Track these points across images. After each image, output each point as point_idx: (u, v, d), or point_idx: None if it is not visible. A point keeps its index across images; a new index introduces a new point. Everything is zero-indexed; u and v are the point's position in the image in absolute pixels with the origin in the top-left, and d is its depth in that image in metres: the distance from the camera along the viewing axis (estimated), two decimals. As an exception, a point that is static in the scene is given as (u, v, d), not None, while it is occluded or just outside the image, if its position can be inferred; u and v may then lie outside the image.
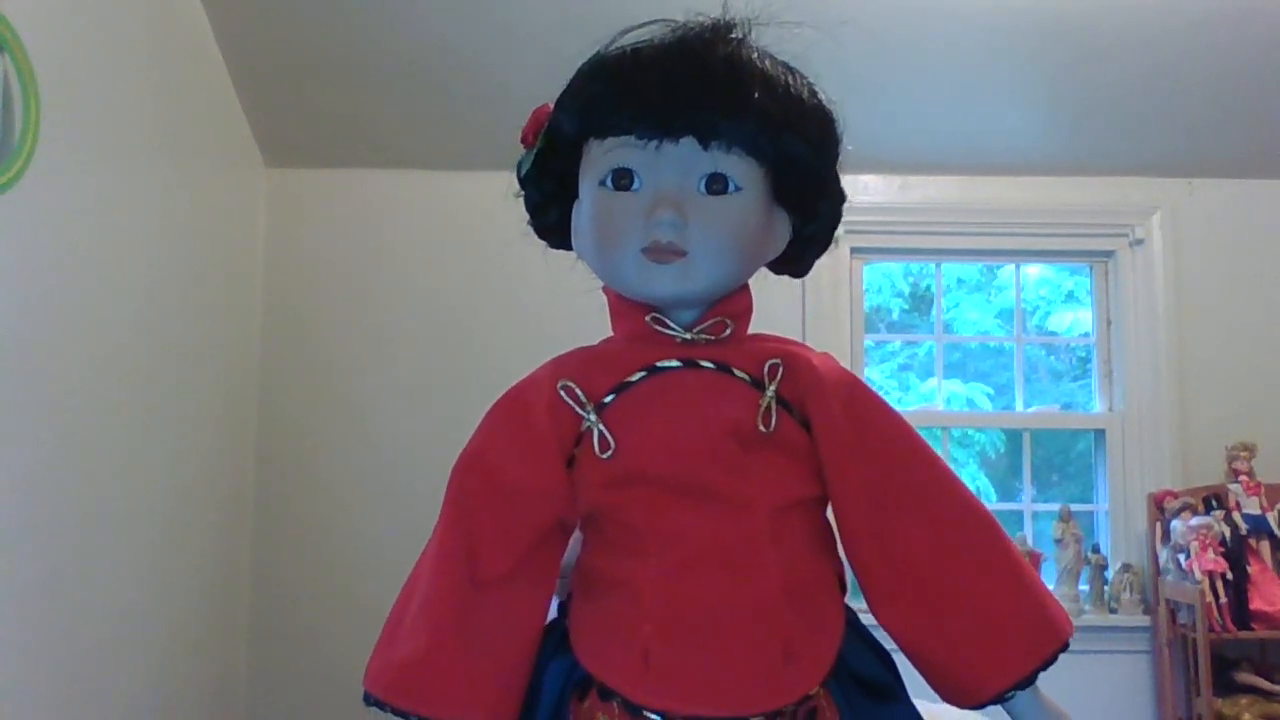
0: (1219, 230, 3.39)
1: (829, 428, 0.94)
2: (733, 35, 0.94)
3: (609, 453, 0.93)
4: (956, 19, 2.89)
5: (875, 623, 0.97)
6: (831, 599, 0.95)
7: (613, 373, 0.95)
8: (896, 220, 3.32)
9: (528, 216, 1.04)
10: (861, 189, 3.27)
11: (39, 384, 2.22)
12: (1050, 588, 3.16)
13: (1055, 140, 3.30)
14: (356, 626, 3.28)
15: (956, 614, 0.93)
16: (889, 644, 0.98)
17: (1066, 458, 4.93)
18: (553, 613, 0.99)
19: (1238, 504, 3.15)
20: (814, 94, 0.96)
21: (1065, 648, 0.94)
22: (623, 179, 0.93)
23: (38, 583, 2.22)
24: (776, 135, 0.92)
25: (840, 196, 1.00)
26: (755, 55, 0.94)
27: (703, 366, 0.95)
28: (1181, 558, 3.06)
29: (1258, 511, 3.14)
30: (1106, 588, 3.28)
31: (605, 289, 1.00)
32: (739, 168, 0.92)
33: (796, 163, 0.94)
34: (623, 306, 0.98)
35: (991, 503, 4.82)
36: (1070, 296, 5.01)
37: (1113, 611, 3.24)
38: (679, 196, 0.92)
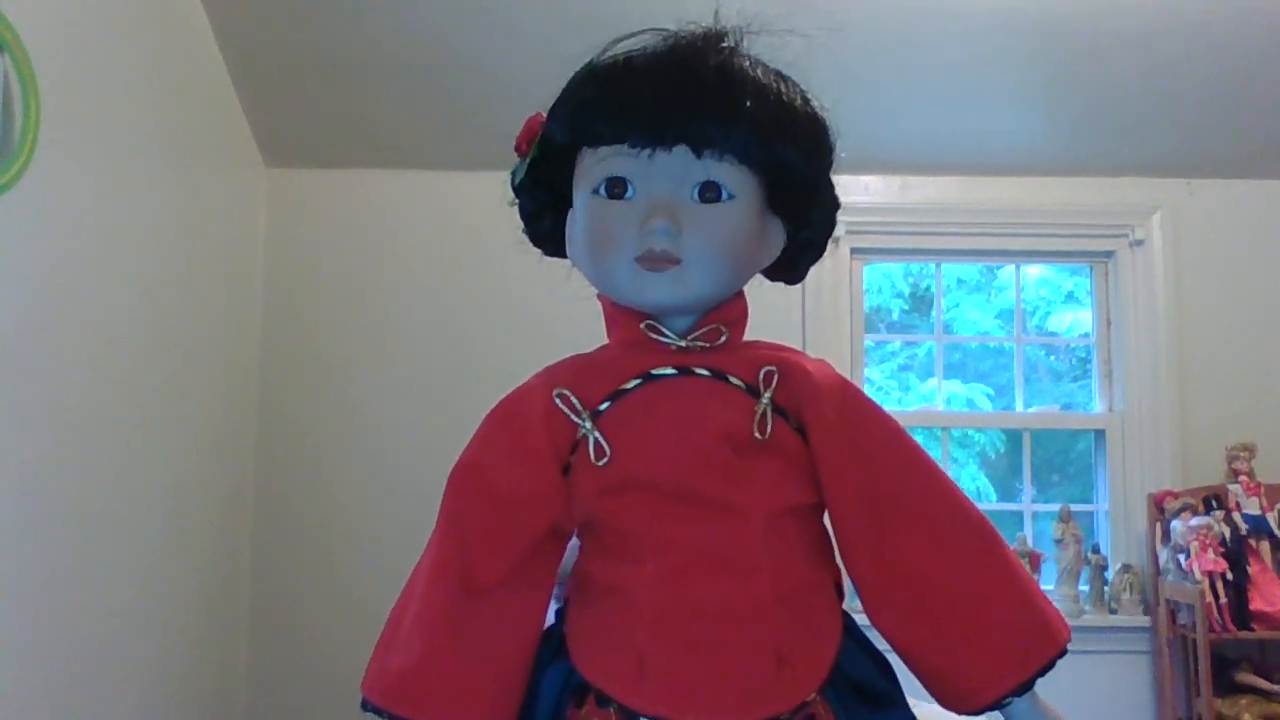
0: (1219, 230, 3.39)
1: (824, 434, 0.94)
2: (724, 44, 0.94)
3: (604, 460, 0.93)
4: (956, 19, 2.89)
5: (872, 628, 0.97)
6: (828, 606, 0.95)
7: (608, 380, 0.95)
8: (896, 220, 3.32)
9: (521, 225, 1.04)
10: (861, 189, 3.27)
11: (39, 384, 2.22)
12: (1050, 588, 3.19)
13: (1055, 140, 3.30)
14: (356, 626, 3.29)
15: (953, 620, 0.93)
16: (887, 651, 0.97)
17: (1066, 458, 4.93)
18: (550, 619, 0.99)
19: (1238, 504, 3.15)
20: (806, 101, 0.96)
21: (1063, 653, 0.94)
22: (616, 187, 0.93)
23: (38, 582, 2.22)
24: (768, 143, 0.92)
25: (834, 203, 1.00)
26: (747, 63, 0.94)
27: (698, 374, 0.95)
28: (1181, 558, 3.06)
29: (1258, 511, 3.14)
30: (1106, 588, 3.28)
31: (600, 296, 1.00)
32: (731, 175, 0.92)
33: (789, 170, 0.95)
34: (617, 314, 0.98)
35: (991, 503, 4.83)
36: (1070, 297, 5.01)
37: (1113, 612, 3.24)
38: (672, 205, 0.92)
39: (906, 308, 5.55)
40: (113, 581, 2.51)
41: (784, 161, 0.94)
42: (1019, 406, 3.55)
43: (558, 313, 3.17)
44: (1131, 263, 3.40)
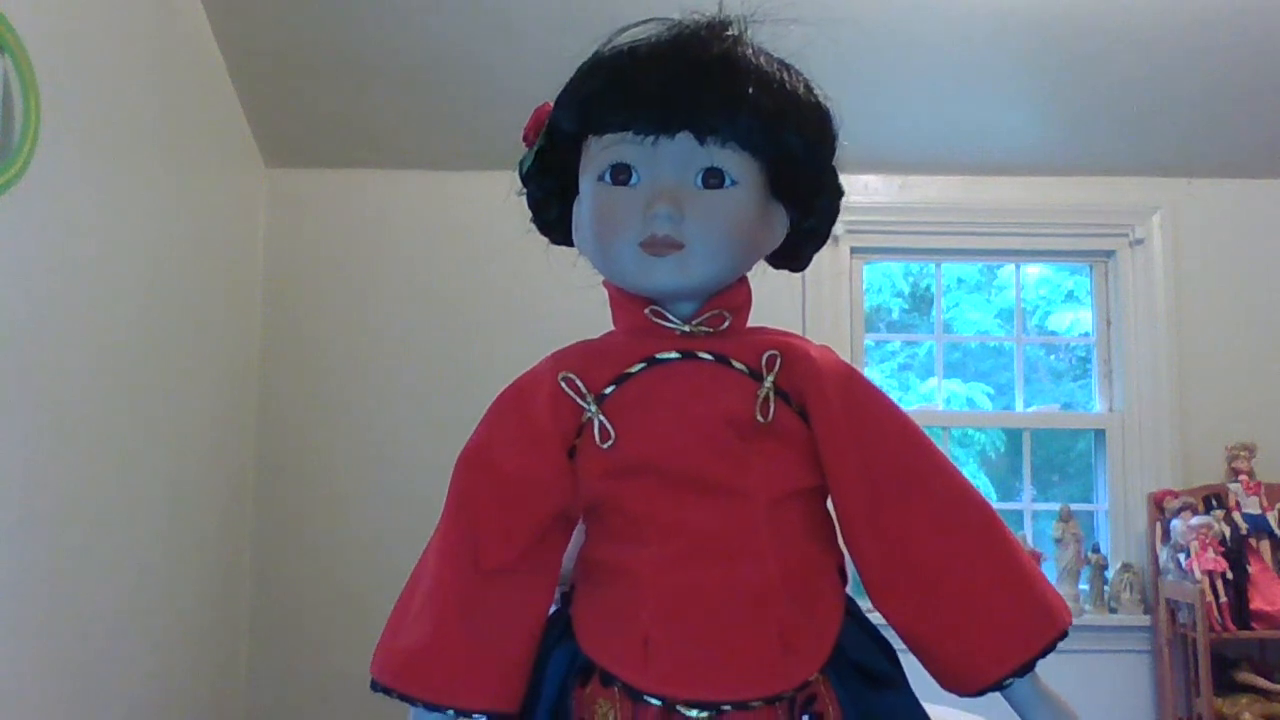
0: (1219, 230, 3.39)
1: (826, 417, 0.95)
2: (728, 33, 0.95)
3: (609, 443, 0.94)
4: (956, 19, 2.89)
5: (874, 611, 0.98)
6: (831, 588, 0.96)
7: (613, 365, 0.97)
8: (896, 220, 3.32)
9: (530, 214, 1.05)
10: (861, 189, 3.27)
11: (39, 384, 2.22)
12: (1050, 587, 3.19)
13: (1055, 140, 3.30)
14: (356, 625, 3.30)
15: (955, 602, 0.94)
16: (891, 636, 0.98)
17: (1066, 458, 4.92)
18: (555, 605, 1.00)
19: (1238, 504, 3.15)
20: (810, 90, 0.97)
21: (1064, 635, 0.94)
22: (621, 174, 0.95)
23: (38, 582, 2.23)
24: (771, 130, 0.93)
25: (837, 191, 1.02)
26: (750, 52, 0.95)
27: (701, 358, 0.96)
28: (1181, 557, 3.06)
29: (1258, 511, 3.14)
30: (1106, 587, 3.28)
31: (605, 283, 1.02)
32: (735, 162, 0.94)
33: (792, 158, 0.96)
34: (622, 300, 1.00)
35: (992, 503, 4.82)
36: (1070, 296, 5.01)
37: (1113, 611, 3.24)
38: (676, 191, 0.93)
39: (906, 307, 5.55)
40: (113, 581, 2.51)
41: (786, 149, 0.95)
42: (1019, 406, 3.55)
43: (557, 311, 3.18)
44: (1131, 262, 3.40)
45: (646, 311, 0.97)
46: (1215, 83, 3.06)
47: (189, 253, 2.90)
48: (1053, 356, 4.94)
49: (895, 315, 5.41)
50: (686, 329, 0.97)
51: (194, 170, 2.93)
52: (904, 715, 0.94)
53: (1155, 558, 3.20)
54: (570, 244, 1.04)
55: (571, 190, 1.01)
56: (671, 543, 0.93)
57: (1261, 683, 3.01)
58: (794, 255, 1.04)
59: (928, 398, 3.78)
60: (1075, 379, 4.71)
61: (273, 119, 3.23)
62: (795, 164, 0.96)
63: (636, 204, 0.94)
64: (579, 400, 0.95)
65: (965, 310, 5.52)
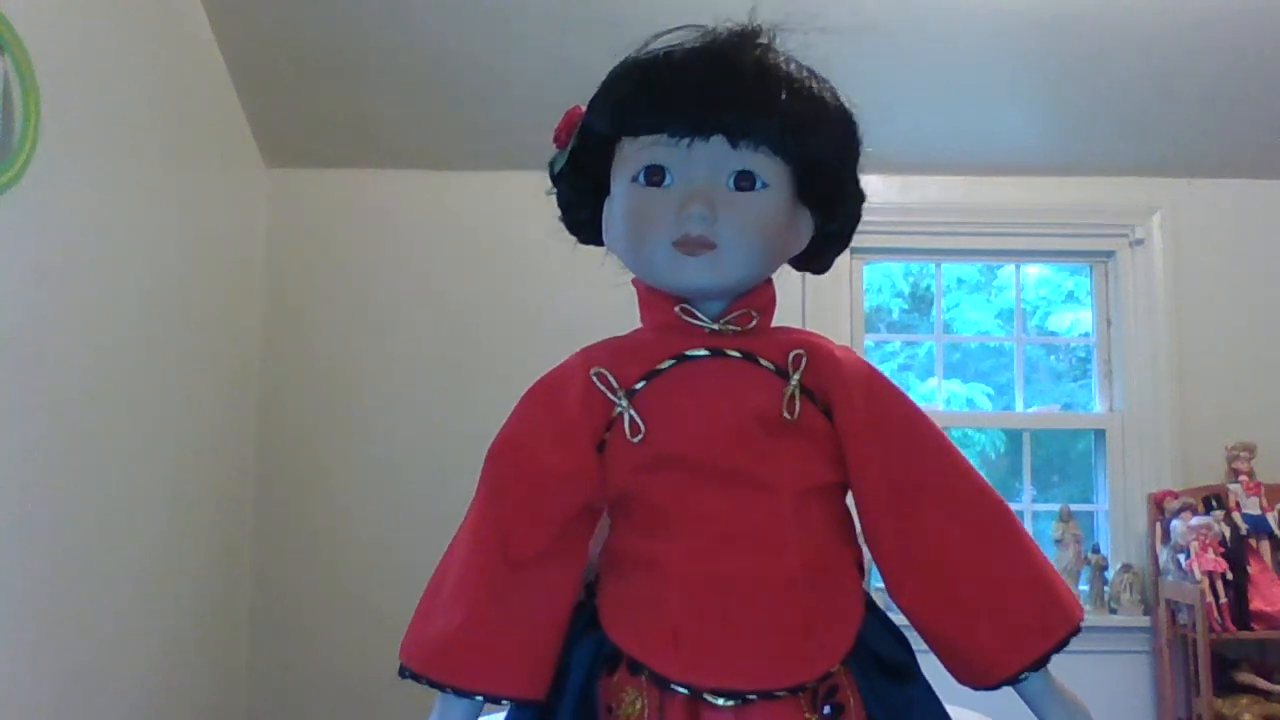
0: (1219, 230, 3.39)
1: (850, 415, 0.98)
2: (760, 40, 0.98)
3: (639, 437, 0.96)
4: (957, 19, 2.89)
5: (892, 605, 1.00)
6: (851, 581, 0.99)
7: (643, 361, 0.99)
8: (896, 220, 3.32)
9: (560, 212, 1.08)
10: (861, 189, 3.27)
11: (39, 384, 2.22)
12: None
13: (1055, 140, 3.30)
14: (356, 624, 3.31)
15: (972, 597, 0.96)
16: (905, 628, 1.00)
17: (1066, 458, 4.92)
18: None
19: (1238, 504, 3.15)
20: (836, 97, 1.01)
21: (1077, 631, 0.97)
22: (655, 175, 0.97)
23: (38, 582, 2.23)
24: (801, 135, 0.97)
25: (860, 196, 1.06)
26: (782, 59, 0.98)
27: (729, 356, 0.99)
28: (1181, 558, 3.06)
29: (1258, 511, 3.14)
30: (1106, 588, 3.28)
31: (635, 281, 1.04)
32: (766, 166, 0.97)
33: (819, 162, 0.99)
34: (652, 298, 1.02)
35: (992, 503, 4.81)
36: (1070, 296, 5.00)
37: (1113, 612, 3.24)
38: (709, 192, 0.96)
39: (906, 307, 5.54)
40: (113, 581, 2.52)
41: (815, 154, 0.98)
42: (1019, 406, 3.55)
43: (557, 311, 3.19)
44: (1131, 262, 3.40)
45: (676, 310, 1.00)
46: (1215, 83, 3.06)
47: (189, 253, 2.90)
48: (1053, 357, 4.93)
49: (895, 315, 5.41)
50: (715, 327, 0.99)
51: (194, 170, 2.93)
52: (923, 707, 0.96)
53: (1155, 558, 3.20)
54: (598, 243, 1.06)
55: (602, 191, 1.03)
56: (698, 534, 0.95)
57: (1261, 683, 3.01)
58: (817, 258, 1.08)
59: (928, 398, 3.78)
60: (1075, 379, 4.71)
61: (273, 119, 3.23)
62: (822, 169, 1.00)
63: (670, 204, 0.96)
64: (610, 395, 0.98)
65: (965, 310, 5.51)
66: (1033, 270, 4.32)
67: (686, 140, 0.95)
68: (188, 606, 2.91)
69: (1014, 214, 3.39)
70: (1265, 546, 3.11)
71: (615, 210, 1.01)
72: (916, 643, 1.00)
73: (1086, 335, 3.63)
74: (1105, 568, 3.29)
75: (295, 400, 3.34)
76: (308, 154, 3.35)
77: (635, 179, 0.98)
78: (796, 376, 0.98)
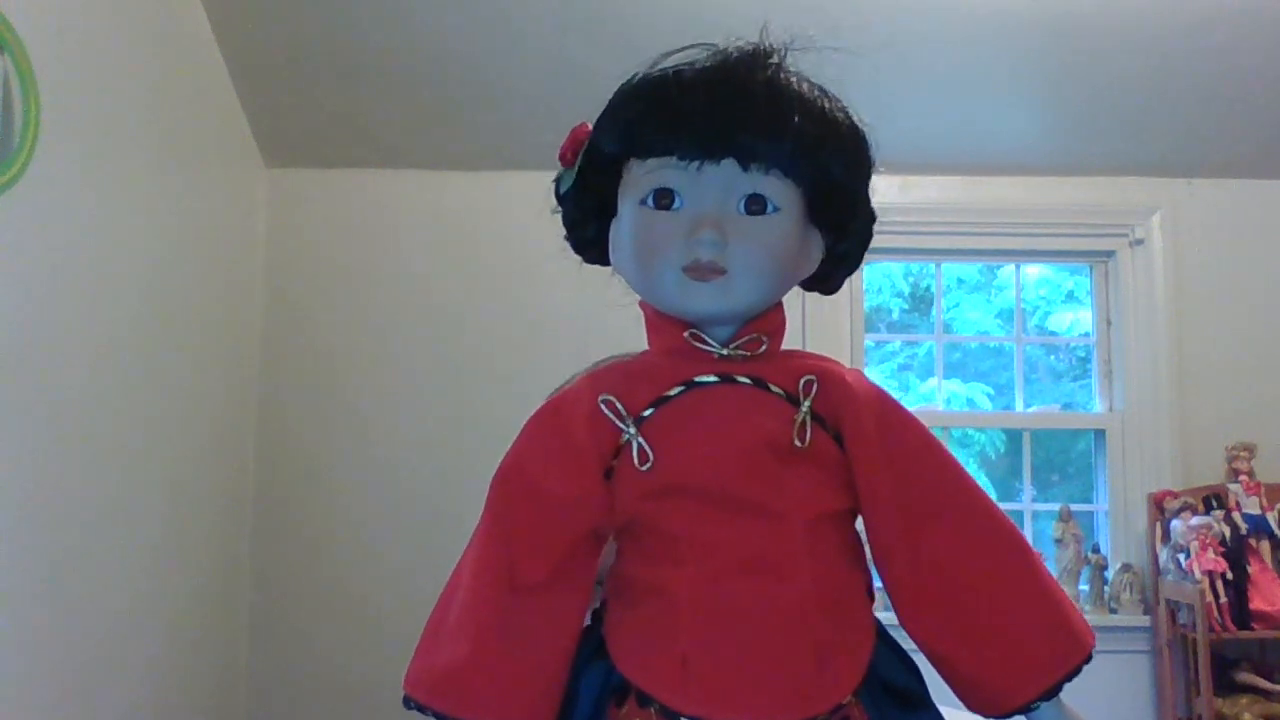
0: (1219, 230, 3.39)
1: (861, 442, 0.96)
2: (772, 60, 0.96)
3: (648, 465, 0.94)
4: (957, 19, 2.89)
5: (900, 631, 0.99)
6: (862, 609, 0.97)
7: (652, 387, 0.97)
8: (896, 220, 3.28)
9: (565, 231, 1.05)
10: (861, 189, 3.27)
11: (39, 384, 2.22)
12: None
13: (1055, 140, 3.30)
14: (356, 626, 3.31)
15: (985, 624, 0.95)
16: (915, 654, 0.99)
17: (1066, 458, 4.92)
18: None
19: (1238, 504, 3.15)
20: (849, 117, 0.99)
21: (1089, 659, 0.96)
22: (664, 199, 0.95)
23: (38, 582, 2.23)
24: (814, 157, 0.95)
25: (871, 216, 1.03)
26: (794, 80, 0.96)
27: (739, 382, 0.97)
28: (1181, 558, 3.06)
29: (1258, 511, 3.14)
30: (1106, 588, 3.28)
31: (641, 304, 1.02)
32: (777, 189, 0.95)
33: (832, 184, 0.97)
34: (660, 322, 1.00)
35: (991, 503, 4.81)
36: (1070, 296, 5.01)
37: (1113, 611, 3.24)
38: (719, 216, 0.94)
39: (906, 307, 5.55)
40: (113, 582, 2.51)
41: (827, 175, 0.96)
42: (1019, 406, 3.55)
43: (557, 311, 3.19)
44: (1131, 262, 3.40)
45: (685, 335, 0.98)
46: (1215, 83, 3.06)
47: (189, 253, 2.90)
48: (1053, 357, 4.94)
49: (895, 315, 5.41)
50: (724, 352, 0.97)
51: (194, 170, 2.93)
52: None
53: (1155, 558, 3.20)
54: (604, 263, 1.04)
55: (609, 210, 1.01)
56: (708, 562, 0.93)
57: (1261, 683, 3.01)
58: (826, 279, 1.05)
59: (928, 398, 3.78)
60: (1075, 379, 4.71)
61: (273, 119, 3.23)
62: (834, 190, 0.98)
63: (679, 228, 0.94)
64: (618, 422, 0.96)
65: (965, 310, 5.52)
66: (1033, 270, 4.32)
67: (696, 163, 0.93)
68: (187, 607, 2.91)
69: (1014, 214, 3.39)
70: (1265, 546, 3.11)
71: (623, 233, 0.99)
72: (922, 663, 0.99)
73: (1086, 335, 3.63)
74: (1105, 568, 3.29)
75: (295, 400, 3.34)
76: (308, 154, 3.35)
77: (644, 202, 0.96)
78: (807, 403, 0.96)
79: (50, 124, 2.16)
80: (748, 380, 0.97)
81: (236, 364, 3.22)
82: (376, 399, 3.33)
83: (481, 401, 3.22)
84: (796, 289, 1.06)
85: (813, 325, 3.22)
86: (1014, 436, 3.97)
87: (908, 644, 0.99)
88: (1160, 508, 3.20)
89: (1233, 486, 3.18)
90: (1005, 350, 4.11)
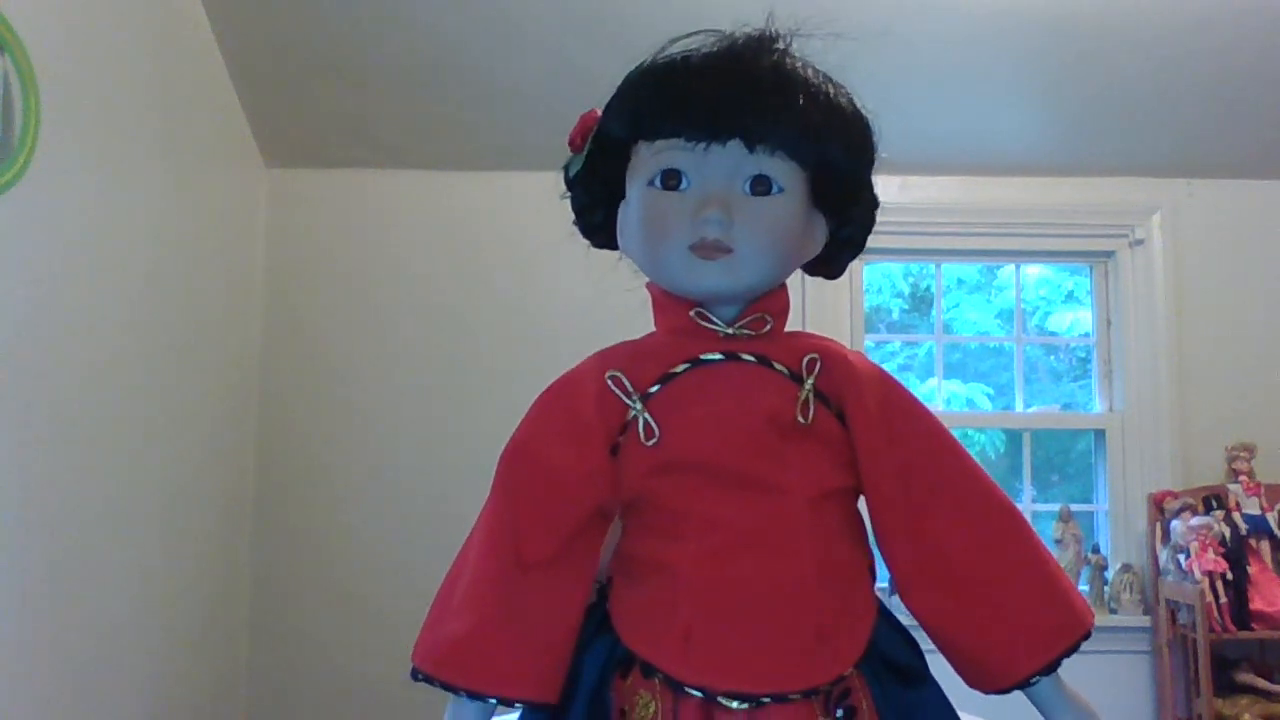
0: (1219, 230, 3.39)
1: (864, 420, 0.99)
2: (777, 45, 0.98)
3: (654, 440, 0.97)
4: (957, 19, 2.89)
5: (901, 608, 1.01)
6: (864, 585, 0.99)
7: (658, 364, 0.99)
8: (896, 220, 3.29)
9: (574, 216, 1.08)
10: (861, 189, 3.27)
11: (38, 384, 2.22)
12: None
13: (1055, 140, 3.30)
14: (356, 626, 3.31)
15: (984, 601, 0.97)
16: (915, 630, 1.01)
17: (1066, 458, 4.92)
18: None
19: (1238, 504, 3.15)
20: (852, 103, 1.01)
21: (1088, 636, 0.98)
22: (671, 179, 0.98)
23: (38, 583, 2.23)
24: (818, 140, 0.97)
25: (874, 202, 1.06)
26: (799, 65, 0.99)
27: (744, 360, 0.99)
28: (1181, 558, 3.06)
29: (1258, 511, 3.14)
30: (1106, 588, 3.28)
31: (649, 285, 1.04)
32: (782, 170, 0.97)
33: (835, 167, 1.00)
34: (667, 302, 1.02)
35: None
36: (1070, 296, 5.00)
37: (1113, 612, 3.24)
38: (725, 196, 0.96)
39: (906, 308, 5.54)
40: (113, 582, 2.51)
41: (831, 159, 0.99)
42: (1019, 406, 3.55)
43: (557, 311, 3.19)
44: (1131, 263, 3.40)
45: (691, 314, 1.00)
46: (1215, 83, 3.06)
47: (189, 253, 2.90)
48: (1053, 357, 4.93)
49: (895, 316, 5.41)
50: (729, 331, 1.00)
51: (194, 170, 2.93)
52: (934, 710, 0.96)
53: (1155, 558, 3.20)
54: (612, 247, 1.06)
55: (617, 195, 1.03)
56: (712, 537, 0.95)
57: (1261, 683, 3.01)
58: (830, 263, 1.08)
59: (928, 398, 3.77)
60: (1075, 379, 4.70)
61: (273, 119, 3.23)
62: (838, 174, 1.00)
63: (686, 208, 0.97)
64: (625, 398, 0.98)
65: (965, 311, 5.51)
66: (1033, 270, 4.32)
67: (703, 144, 0.96)
68: (187, 608, 2.91)
69: (1014, 214, 3.39)
70: (1265, 546, 3.11)
71: (630, 214, 1.01)
72: (924, 643, 1.00)
73: (1086, 335, 3.63)
74: (1105, 568, 3.29)
75: (295, 401, 3.34)
76: (308, 154, 3.35)
77: (651, 183, 0.98)
78: (811, 381, 0.98)
79: (50, 124, 2.16)
80: (752, 358, 0.99)
81: (236, 364, 3.22)
82: (376, 398, 3.33)
83: (481, 401, 3.22)
84: (805, 277, 1.08)
85: (813, 325, 3.22)
86: (1014, 437, 3.97)
87: (909, 621, 1.00)
88: (1160, 508, 3.20)
89: (1233, 487, 3.18)
90: (1005, 350, 4.11)
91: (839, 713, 0.92)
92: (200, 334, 2.97)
